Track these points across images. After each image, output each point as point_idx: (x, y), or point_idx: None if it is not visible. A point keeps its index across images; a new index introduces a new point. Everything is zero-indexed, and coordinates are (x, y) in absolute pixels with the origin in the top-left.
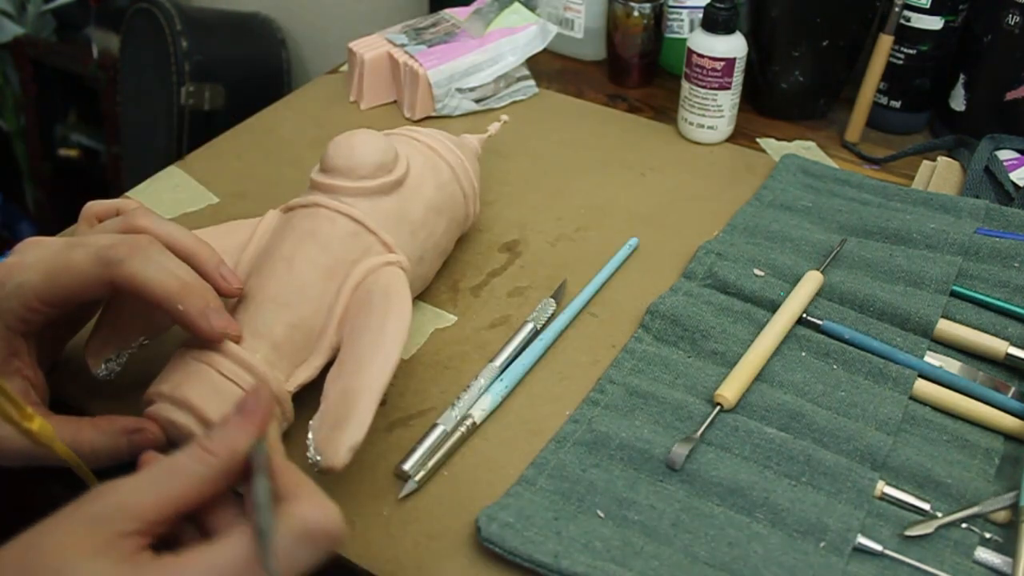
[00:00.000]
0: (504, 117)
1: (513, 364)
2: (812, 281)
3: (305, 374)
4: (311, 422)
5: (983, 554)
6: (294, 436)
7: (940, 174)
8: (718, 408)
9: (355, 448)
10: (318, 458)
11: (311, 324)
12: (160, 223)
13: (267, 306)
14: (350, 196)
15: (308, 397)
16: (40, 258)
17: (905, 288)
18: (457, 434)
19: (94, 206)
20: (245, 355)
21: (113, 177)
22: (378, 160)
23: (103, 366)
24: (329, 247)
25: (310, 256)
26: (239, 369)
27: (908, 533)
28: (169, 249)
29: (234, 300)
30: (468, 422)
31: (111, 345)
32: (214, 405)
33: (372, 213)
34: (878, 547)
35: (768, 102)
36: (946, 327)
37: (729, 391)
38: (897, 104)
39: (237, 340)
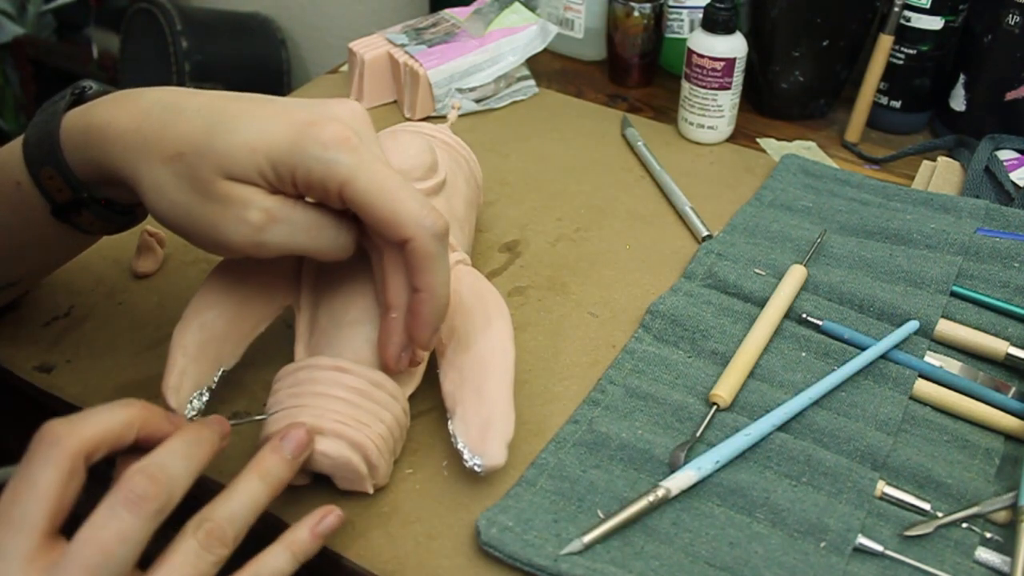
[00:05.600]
0: (457, 104)
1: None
2: (795, 275)
3: (411, 385)
4: (452, 429)
5: (983, 554)
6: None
7: (940, 174)
8: (715, 408)
9: (509, 443)
10: (477, 461)
11: None
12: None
13: (367, 327)
14: None
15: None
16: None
17: (905, 288)
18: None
19: None
20: (390, 384)
21: None
22: (430, 160)
23: (189, 405)
24: None
25: None
26: (389, 398)
27: (908, 533)
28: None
29: (324, 324)
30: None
31: (190, 378)
32: (374, 441)
33: None
34: (878, 547)
35: (768, 102)
36: (946, 327)
37: (723, 390)
38: (897, 104)
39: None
